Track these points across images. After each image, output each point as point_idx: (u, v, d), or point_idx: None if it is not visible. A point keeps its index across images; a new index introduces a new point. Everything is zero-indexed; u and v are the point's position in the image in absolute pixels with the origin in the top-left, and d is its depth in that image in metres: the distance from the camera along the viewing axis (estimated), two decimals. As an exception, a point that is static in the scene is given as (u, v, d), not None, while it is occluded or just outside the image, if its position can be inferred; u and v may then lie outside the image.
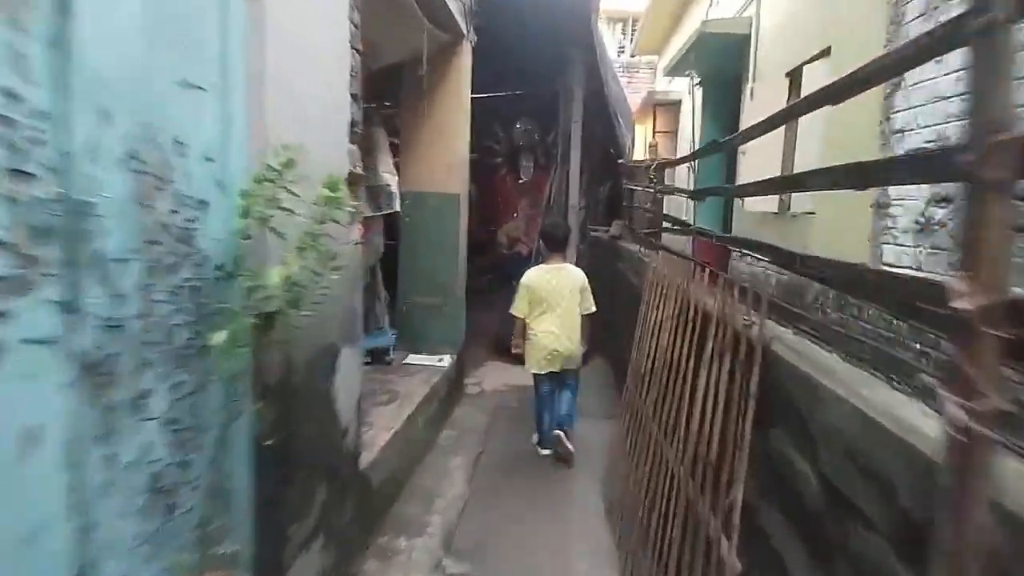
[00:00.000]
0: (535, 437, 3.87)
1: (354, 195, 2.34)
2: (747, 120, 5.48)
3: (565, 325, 3.59)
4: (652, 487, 2.36)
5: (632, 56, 12.62)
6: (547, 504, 3.17)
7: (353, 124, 2.23)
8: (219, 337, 1.38)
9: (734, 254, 5.08)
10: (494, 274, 8.24)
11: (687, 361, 2.21)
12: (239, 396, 1.60)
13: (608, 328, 5.10)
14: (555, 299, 3.59)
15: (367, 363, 4.12)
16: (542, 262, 3.82)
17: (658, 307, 2.90)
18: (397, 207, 3.92)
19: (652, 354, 2.82)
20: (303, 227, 1.54)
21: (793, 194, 3.98)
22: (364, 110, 4.69)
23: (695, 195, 3.36)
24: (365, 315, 4.49)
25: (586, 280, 3.70)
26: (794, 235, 3.87)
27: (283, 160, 1.34)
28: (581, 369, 3.86)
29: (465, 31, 4.02)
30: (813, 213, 3.94)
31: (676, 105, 9.00)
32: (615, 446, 3.42)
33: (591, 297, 3.70)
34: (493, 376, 5.29)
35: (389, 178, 3.82)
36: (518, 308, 3.65)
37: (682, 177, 7.51)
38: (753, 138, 1.97)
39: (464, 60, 4.18)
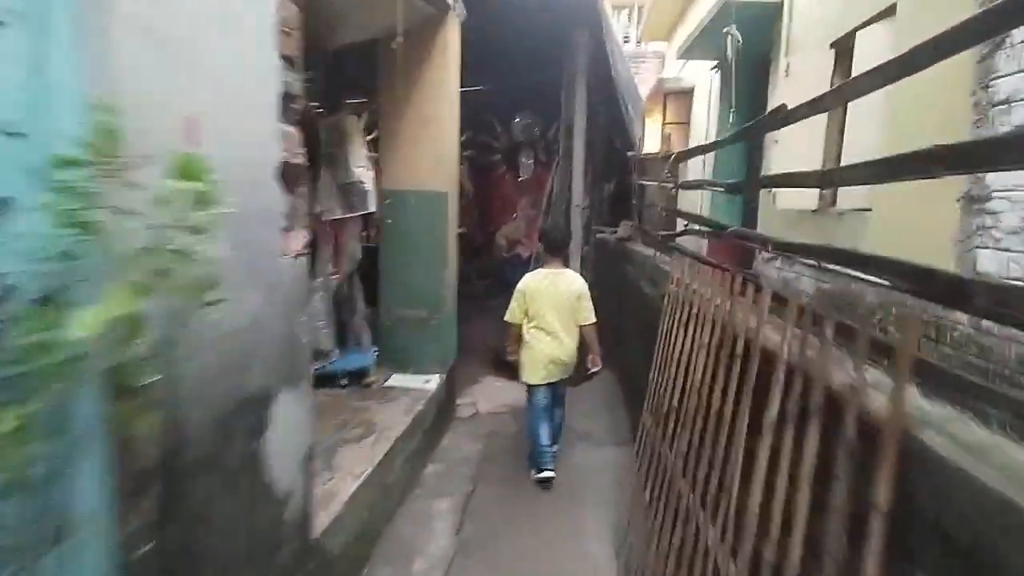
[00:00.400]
0: (532, 472, 3.34)
1: (294, 192, 1.80)
2: (779, 101, 4.84)
3: (564, 333, 3.30)
4: (685, 571, 1.80)
5: (638, 43, 12.02)
6: (550, 566, 2.62)
7: (288, 98, 1.68)
8: (4, 425, 0.83)
9: (759, 256, 4.51)
10: (492, 278, 7.75)
11: (735, 413, 1.66)
12: (83, 494, 1.06)
13: (616, 334, 4.59)
14: (553, 305, 3.29)
15: (343, 386, 3.60)
16: (542, 266, 3.47)
17: (686, 329, 2.35)
18: (372, 207, 3.38)
19: (679, 389, 2.26)
20: (172, 241, 1.00)
21: (840, 188, 3.36)
22: (334, 99, 4.17)
23: (732, 189, 2.80)
24: (342, 332, 3.98)
25: (586, 289, 3.37)
26: (840, 237, 3.23)
27: (99, 129, 0.79)
28: (588, 384, 3.38)
29: (451, 2, 3.45)
30: (868, 210, 3.32)
31: (688, 93, 8.41)
32: (630, 491, 2.86)
33: (591, 307, 3.36)
34: (489, 395, 4.74)
35: (362, 174, 3.28)
36: (512, 314, 3.37)
37: (695, 172, 6.92)
38: (834, 107, 1.43)
39: (450, 37, 3.61)
